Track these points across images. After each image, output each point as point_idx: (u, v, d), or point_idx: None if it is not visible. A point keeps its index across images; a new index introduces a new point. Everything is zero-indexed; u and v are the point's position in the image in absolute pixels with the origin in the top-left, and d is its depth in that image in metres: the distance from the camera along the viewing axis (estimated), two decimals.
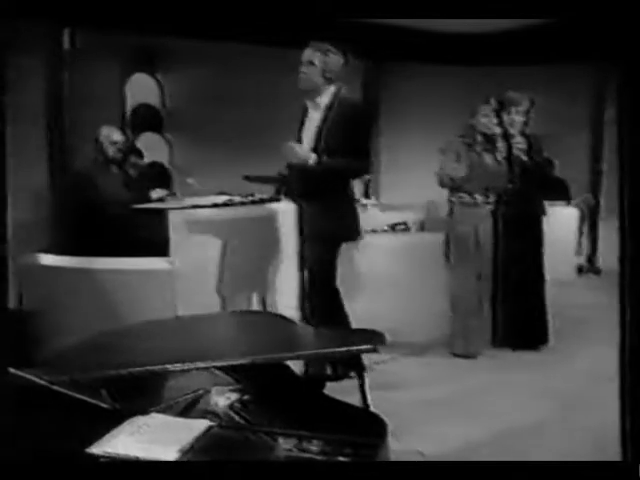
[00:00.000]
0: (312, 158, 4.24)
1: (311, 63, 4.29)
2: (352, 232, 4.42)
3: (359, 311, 5.32)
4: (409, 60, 9.16)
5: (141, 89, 7.85)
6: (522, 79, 7.36)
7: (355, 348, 2.32)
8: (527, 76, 7.77)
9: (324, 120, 4.31)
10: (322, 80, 4.30)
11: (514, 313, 5.43)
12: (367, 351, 2.29)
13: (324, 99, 4.33)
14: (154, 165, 7.76)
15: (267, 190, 7.62)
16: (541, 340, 5.48)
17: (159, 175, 7.67)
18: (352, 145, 4.18)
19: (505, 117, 5.33)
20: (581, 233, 9.03)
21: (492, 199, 5.30)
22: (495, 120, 5.28)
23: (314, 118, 4.37)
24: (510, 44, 8.31)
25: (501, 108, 5.33)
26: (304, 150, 4.27)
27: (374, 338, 2.37)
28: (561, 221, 8.22)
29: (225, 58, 7.69)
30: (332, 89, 4.35)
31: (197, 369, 2.32)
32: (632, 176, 1.89)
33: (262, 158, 8.81)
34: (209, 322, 2.89)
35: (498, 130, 5.31)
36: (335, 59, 4.30)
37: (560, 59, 8.47)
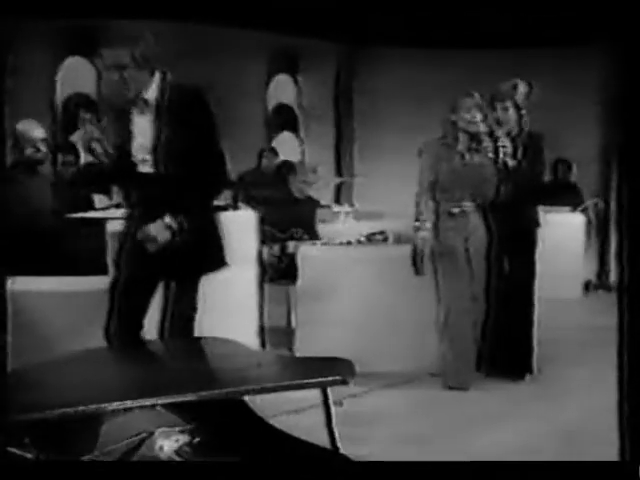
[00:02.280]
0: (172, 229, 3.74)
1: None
2: (216, 261, 3.98)
3: (329, 336, 5.35)
4: (386, 44, 9.23)
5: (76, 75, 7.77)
6: (518, 64, 7.45)
7: (317, 380, 2.33)
8: (524, 61, 7.85)
9: (156, 121, 3.82)
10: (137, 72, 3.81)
11: (498, 339, 5.45)
12: (334, 384, 2.30)
13: (150, 94, 3.84)
14: (92, 165, 7.67)
15: (223, 196, 7.69)
16: (523, 369, 5.51)
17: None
18: (198, 147, 3.79)
19: (490, 114, 5.35)
20: (589, 244, 9.04)
21: (482, 206, 5.34)
22: (479, 116, 5.28)
23: (141, 123, 3.86)
24: (504, 23, 8.23)
25: (488, 102, 5.36)
26: (158, 228, 3.69)
27: (342, 368, 2.38)
28: (565, 230, 8.26)
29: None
30: (156, 78, 3.86)
31: (138, 407, 2.31)
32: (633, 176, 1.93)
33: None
34: (152, 351, 2.88)
35: (483, 128, 5.32)
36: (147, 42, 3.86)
37: (563, 40, 8.43)
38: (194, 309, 3.91)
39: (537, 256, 5.53)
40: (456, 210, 5.30)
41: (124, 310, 3.77)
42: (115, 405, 2.22)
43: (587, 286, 9.01)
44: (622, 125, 1.99)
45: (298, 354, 5.64)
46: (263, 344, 5.54)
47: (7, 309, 2.20)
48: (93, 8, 6.79)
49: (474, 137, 5.31)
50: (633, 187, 1.92)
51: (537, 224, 5.61)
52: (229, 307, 5.08)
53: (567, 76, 8.83)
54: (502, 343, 5.44)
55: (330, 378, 2.32)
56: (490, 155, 5.37)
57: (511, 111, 5.46)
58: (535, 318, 5.53)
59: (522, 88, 5.52)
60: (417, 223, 5.29)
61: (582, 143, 9.08)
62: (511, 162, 5.44)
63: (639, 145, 1.94)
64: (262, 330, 5.57)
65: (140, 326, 3.80)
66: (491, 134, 5.38)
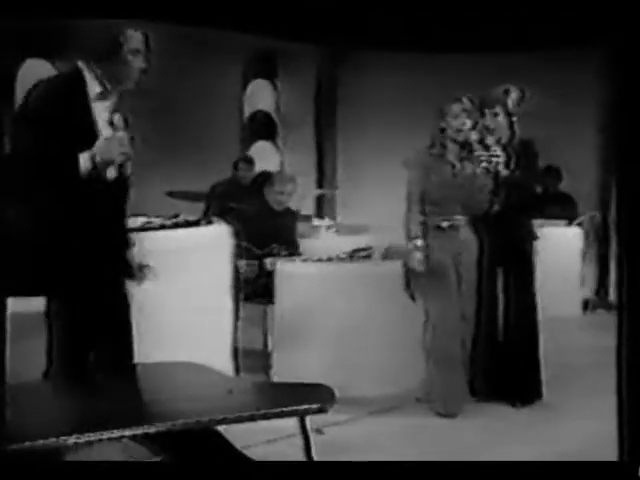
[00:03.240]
0: None
1: None
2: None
3: (308, 359, 5.34)
4: (371, 47, 9.25)
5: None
6: (509, 68, 7.47)
7: (293, 409, 2.32)
8: (516, 64, 7.87)
9: None
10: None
11: (501, 361, 5.48)
12: (312, 412, 2.29)
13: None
14: None
15: (197, 209, 7.69)
16: (533, 394, 5.53)
17: None
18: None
19: (480, 121, 5.37)
20: (585, 259, 9.07)
21: (473, 220, 5.35)
22: (468, 123, 5.30)
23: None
24: (494, 24, 8.35)
25: (477, 108, 5.38)
26: None
27: (321, 395, 2.37)
28: (561, 245, 8.30)
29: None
30: None
31: (104, 440, 2.29)
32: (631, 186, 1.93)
33: (191, 171, 8.87)
34: (116, 379, 2.86)
35: (473, 135, 5.34)
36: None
37: (558, 41, 8.49)
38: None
39: (536, 271, 5.55)
40: (446, 224, 5.31)
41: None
42: (78, 438, 2.20)
43: (586, 304, 9.03)
44: (621, 132, 1.99)
45: (275, 379, 5.66)
46: (237, 368, 5.51)
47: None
48: (63, 8, 6.76)
49: (464, 146, 5.34)
50: (633, 198, 1.93)
51: (534, 237, 5.63)
52: (200, 328, 5.05)
53: (562, 80, 8.86)
54: (503, 366, 5.46)
55: (308, 406, 2.31)
56: (483, 165, 5.38)
57: (501, 117, 5.48)
58: (540, 338, 5.55)
59: (514, 93, 5.55)
60: (410, 244, 5.29)
61: (577, 151, 9.11)
62: (504, 172, 5.46)
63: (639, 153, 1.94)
64: (236, 353, 5.55)
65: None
66: (482, 142, 5.40)
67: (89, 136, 3.80)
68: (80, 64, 3.90)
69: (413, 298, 5.38)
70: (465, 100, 5.31)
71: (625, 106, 1.99)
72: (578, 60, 8.46)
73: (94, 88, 3.88)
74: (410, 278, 5.35)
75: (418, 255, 5.26)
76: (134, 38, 3.92)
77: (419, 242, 5.26)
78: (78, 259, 3.72)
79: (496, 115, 5.47)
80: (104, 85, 3.88)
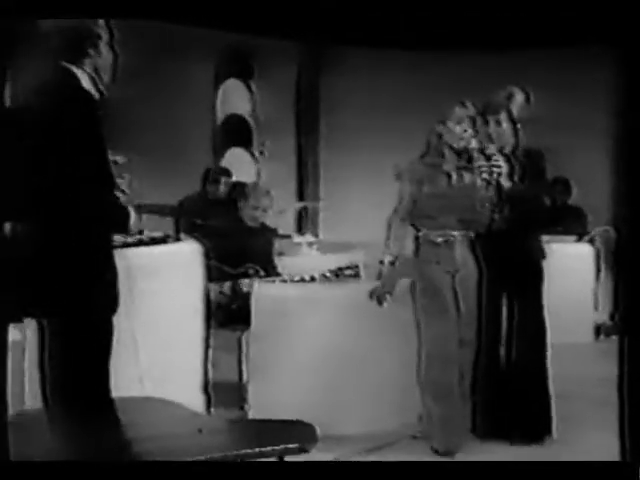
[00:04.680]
0: None
1: None
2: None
3: (288, 392, 5.32)
4: (357, 44, 9.28)
5: None
6: (512, 69, 7.51)
7: (271, 449, 2.32)
8: (520, 65, 7.91)
9: None
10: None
11: (505, 394, 5.48)
12: (291, 452, 2.29)
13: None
14: None
15: (165, 224, 7.67)
16: (541, 431, 5.54)
17: None
18: None
19: (482, 129, 5.40)
20: (599, 279, 9.08)
21: (473, 236, 5.36)
22: (470, 130, 5.33)
23: None
24: (496, 19, 8.33)
25: (480, 114, 5.41)
26: None
27: (301, 433, 2.37)
28: (571, 263, 8.33)
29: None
30: None
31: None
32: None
33: (157, 182, 8.85)
34: (74, 416, 2.85)
35: (474, 143, 5.36)
36: None
37: (565, 40, 8.50)
38: None
39: (545, 293, 5.58)
40: (440, 239, 5.33)
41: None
42: None
43: (598, 330, 9.05)
44: (636, 139, 2.01)
45: (250, 415, 5.64)
46: (209, 403, 5.49)
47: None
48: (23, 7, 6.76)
49: (463, 154, 5.36)
50: None
51: (542, 255, 5.66)
52: (168, 358, 5.04)
53: (571, 81, 8.93)
54: (507, 399, 5.46)
55: (287, 446, 2.31)
56: (483, 175, 5.40)
57: (505, 125, 5.52)
58: (549, 369, 5.57)
59: (518, 97, 5.58)
60: (387, 252, 5.33)
61: (589, 161, 9.17)
62: (507, 184, 5.47)
63: None
64: (207, 386, 5.53)
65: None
66: (483, 151, 5.42)
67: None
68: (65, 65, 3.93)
69: (381, 301, 5.37)
70: (469, 105, 5.36)
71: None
72: (590, 59, 8.49)
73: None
74: (378, 287, 5.39)
75: (390, 262, 5.29)
76: (105, 30, 4.00)
77: (388, 258, 5.28)
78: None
79: (499, 122, 5.50)
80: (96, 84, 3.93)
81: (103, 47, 3.98)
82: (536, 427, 5.52)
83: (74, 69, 3.92)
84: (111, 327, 3.91)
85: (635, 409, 2.04)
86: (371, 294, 5.41)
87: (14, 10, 3.15)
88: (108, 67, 4.01)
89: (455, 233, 5.33)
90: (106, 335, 3.91)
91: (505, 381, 5.51)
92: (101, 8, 3.58)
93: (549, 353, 5.61)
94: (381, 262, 5.37)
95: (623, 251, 2.00)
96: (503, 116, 5.51)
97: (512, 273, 5.46)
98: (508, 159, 5.50)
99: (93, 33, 3.94)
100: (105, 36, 3.98)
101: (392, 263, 5.34)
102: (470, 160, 5.38)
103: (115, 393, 3.65)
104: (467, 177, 5.39)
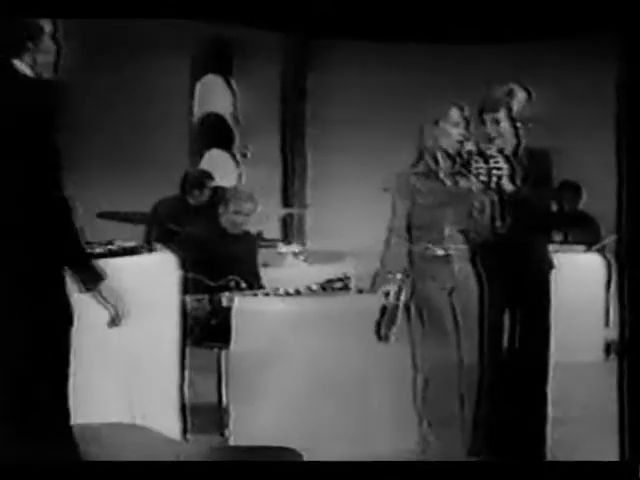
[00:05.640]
0: None
1: None
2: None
3: (271, 416, 5.29)
4: (347, 36, 9.29)
5: None
6: (516, 62, 7.51)
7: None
8: (524, 57, 7.92)
9: None
10: None
11: (508, 420, 5.45)
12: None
13: None
14: None
15: (136, 233, 7.64)
16: (533, 457, 5.52)
17: None
18: None
19: (479, 128, 5.41)
20: (608, 292, 9.09)
21: (471, 248, 5.36)
22: (466, 133, 5.37)
23: None
24: (496, 9, 8.37)
25: (476, 114, 5.42)
26: None
27: (285, 460, 2.35)
28: (580, 275, 8.32)
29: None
30: None
31: None
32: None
33: (129, 187, 8.82)
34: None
35: (470, 146, 5.37)
36: None
37: (571, 30, 8.52)
38: None
39: (552, 309, 5.57)
40: (435, 253, 5.35)
41: None
42: None
43: (609, 348, 9.04)
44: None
45: (231, 441, 5.59)
46: (185, 428, 5.46)
47: None
48: None
49: (458, 158, 5.39)
50: None
51: (550, 266, 5.64)
52: (141, 380, 5.03)
53: (579, 76, 8.94)
54: (510, 426, 5.43)
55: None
56: (482, 179, 5.39)
57: (503, 124, 5.50)
58: (549, 393, 5.55)
59: (519, 94, 5.57)
60: (389, 276, 5.30)
61: (599, 163, 9.17)
62: (509, 187, 5.45)
63: None
64: (184, 409, 5.50)
65: None
66: (481, 153, 5.42)
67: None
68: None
69: (381, 338, 5.35)
70: (465, 108, 5.40)
71: None
72: (600, 51, 8.49)
73: None
74: (383, 316, 5.35)
75: (391, 290, 5.27)
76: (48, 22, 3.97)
77: (398, 275, 5.27)
78: None
79: (497, 122, 5.49)
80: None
81: (45, 40, 3.97)
82: (531, 451, 5.51)
83: (14, 62, 3.92)
84: (67, 344, 3.89)
85: (635, 409, 2.09)
86: (377, 330, 5.39)
87: None
88: (50, 61, 3.99)
89: (452, 246, 5.35)
90: (62, 353, 3.89)
91: (507, 405, 5.49)
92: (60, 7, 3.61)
93: (550, 378, 5.58)
94: (386, 295, 5.34)
95: (628, 259, 2.05)
96: (502, 114, 5.51)
97: (516, 287, 5.44)
98: (509, 160, 5.50)
99: (33, 26, 3.94)
100: (48, 28, 3.97)
101: (397, 297, 5.32)
102: (467, 164, 5.38)
103: (82, 417, 3.61)
104: (464, 183, 5.41)
